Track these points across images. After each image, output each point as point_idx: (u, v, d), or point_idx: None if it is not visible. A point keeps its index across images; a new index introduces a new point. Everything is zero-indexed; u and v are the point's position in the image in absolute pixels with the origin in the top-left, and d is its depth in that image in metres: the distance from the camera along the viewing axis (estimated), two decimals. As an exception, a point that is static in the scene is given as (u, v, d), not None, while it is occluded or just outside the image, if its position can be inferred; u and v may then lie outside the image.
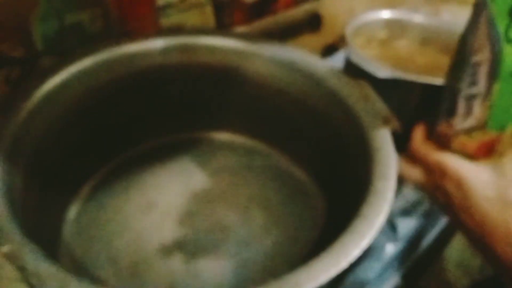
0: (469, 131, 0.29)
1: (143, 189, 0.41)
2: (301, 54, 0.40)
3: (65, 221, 0.37)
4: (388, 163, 0.29)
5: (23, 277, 0.43)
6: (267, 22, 0.69)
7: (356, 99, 0.36)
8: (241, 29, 0.65)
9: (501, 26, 0.26)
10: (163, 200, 0.41)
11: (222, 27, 0.62)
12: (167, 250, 0.37)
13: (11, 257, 0.22)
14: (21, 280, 0.44)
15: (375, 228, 0.25)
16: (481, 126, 0.29)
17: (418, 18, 0.61)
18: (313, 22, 0.78)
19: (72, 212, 0.38)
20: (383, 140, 0.31)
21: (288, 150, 0.46)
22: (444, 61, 0.60)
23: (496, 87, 0.27)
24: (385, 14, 0.62)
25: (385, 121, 0.33)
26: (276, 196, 0.43)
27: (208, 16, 0.59)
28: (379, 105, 0.35)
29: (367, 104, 0.35)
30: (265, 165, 0.46)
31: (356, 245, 0.24)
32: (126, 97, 0.40)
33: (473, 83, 0.29)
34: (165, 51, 0.40)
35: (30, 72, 0.44)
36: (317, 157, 0.42)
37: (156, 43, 0.40)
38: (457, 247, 0.58)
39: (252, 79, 0.43)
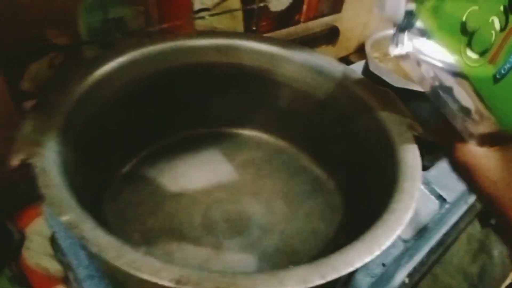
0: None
1: (175, 176, 0.42)
2: (330, 61, 0.41)
3: (103, 201, 0.37)
4: (414, 165, 0.30)
5: (49, 251, 0.43)
6: (288, 31, 0.69)
7: (381, 106, 0.36)
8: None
9: None
10: (193, 187, 0.41)
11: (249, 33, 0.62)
12: (197, 233, 0.37)
13: (71, 226, 0.22)
14: (48, 253, 0.45)
15: (404, 222, 0.26)
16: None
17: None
18: (331, 35, 0.79)
19: (109, 193, 0.38)
20: (409, 144, 0.32)
21: (310, 149, 0.46)
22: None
23: None
24: (402, 31, 0.63)
25: (410, 127, 0.33)
26: (297, 191, 0.44)
27: (238, 21, 0.60)
28: (404, 112, 0.35)
29: (392, 110, 0.35)
30: (287, 162, 0.46)
31: (387, 236, 0.24)
32: (166, 89, 0.40)
33: None
34: (206, 50, 0.40)
35: (73, 60, 0.45)
36: (339, 157, 0.42)
37: (197, 42, 0.40)
38: (457, 252, 0.58)
39: (283, 82, 0.43)
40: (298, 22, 0.70)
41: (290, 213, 0.41)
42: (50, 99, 0.30)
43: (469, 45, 0.27)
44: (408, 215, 0.26)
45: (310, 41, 0.75)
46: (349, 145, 0.40)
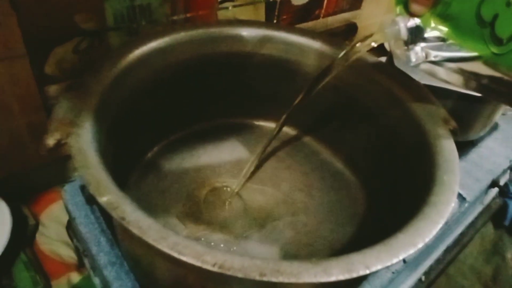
0: None
1: (197, 165, 0.41)
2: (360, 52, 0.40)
3: (128, 186, 0.36)
4: (452, 159, 0.29)
5: (63, 238, 0.43)
6: (308, 26, 0.68)
7: (414, 100, 0.35)
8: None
9: None
10: (215, 176, 0.41)
11: (270, 26, 0.61)
12: (218, 223, 0.37)
13: (111, 207, 0.21)
14: (62, 240, 0.44)
15: (446, 216, 0.25)
16: None
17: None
18: (349, 31, 0.78)
19: (133, 179, 0.38)
20: (445, 138, 0.31)
21: (333, 143, 0.45)
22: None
23: None
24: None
25: (445, 121, 0.32)
26: (318, 185, 0.43)
27: (260, 13, 0.59)
28: (437, 107, 0.34)
29: (426, 105, 0.34)
30: (309, 156, 0.45)
31: (430, 229, 0.24)
32: (193, 78, 0.39)
33: None
34: (233, 39, 0.39)
35: (99, 45, 0.44)
36: (363, 152, 0.42)
37: (229, 31, 0.39)
38: (470, 253, 0.57)
39: (309, 74, 0.42)
40: (318, 17, 0.69)
41: (311, 206, 0.40)
42: (84, 81, 0.29)
43: (493, 35, 0.26)
44: (449, 209, 0.25)
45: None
46: (378, 138, 0.39)
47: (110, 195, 0.22)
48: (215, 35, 0.39)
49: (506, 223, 0.63)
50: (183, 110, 0.41)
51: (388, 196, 0.37)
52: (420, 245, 0.23)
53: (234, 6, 0.54)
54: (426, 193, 0.27)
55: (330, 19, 0.72)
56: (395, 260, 0.22)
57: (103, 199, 0.22)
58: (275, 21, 0.62)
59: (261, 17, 0.59)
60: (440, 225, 0.24)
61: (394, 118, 0.36)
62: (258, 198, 0.40)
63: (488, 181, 0.52)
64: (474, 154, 0.55)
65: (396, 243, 0.23)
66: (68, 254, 0.44)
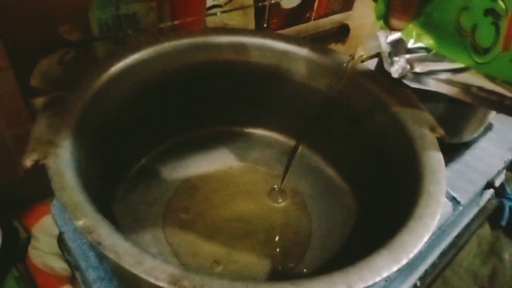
0: None
1: (186, 175, 0.41)
2: (347, 60, 0.39)
3: (115, 200, 0.36)
4: (438, 168, 0.29)
5: (55, 250, 0.42)
6: (299, 28, 0.68)
7: (401, 106, 0.35)
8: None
9: None
10: (204, 186, 0.40)
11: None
12: (209, 233, 0.36)
13: (87, 231, 0.21)
14: (55, 253, 0.44)
15: (431, 229, 0.24)
16: None
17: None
18: (341, 33, 0.77)
19: (120, 192, 0.37)
20: (431, 147, 0.30)
21: (323, 149, 0.45)
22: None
23: None
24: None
25: (432, 129, 0.32)
26: (309, 192, 0.42)
27: (249, 18, 0.59)
28: (425, 114, 0.34)
29: (413, 112, 0.34)
30: (300, 162, 0.45)
31: (414, 244, 0.23)
32: (179, 87, 0.39)
33: None
34: (220, 48, 0.39)
35: (85, 56, 0.44)
36: (353, 158, 0.41)
37: (213, 39, 0.39)
38: (467, 255, 0.57)
39: (297, 81, 0.42)
40: (309, 20, 0.68)
41: (302, 215, 0.40)
42: (63, 96, 0.28)
43: (474, 45, 0.26)
44: (435, 222, 0.25)
45: (320, 39, 0.74)
46: (367, 146, 0.38)
47: (86, 218, 0.21)
48: (199, 44, 0.38)
49: (503, 223, 0.62)
50: (170, 121, 0.41)
51: (378, 205, 0.36)
52: (404, 261, 0.22)
53: (223, 12, 0.54)
54: (411, 205, 0.26)
55: (322, 21, 0.71)
56: (378, 279, 0.21)
57: (79, 223, 0.21)
58: (265, 25, 0.61)
59: (251, 21, 0.59)
60: (425, 239, 0.24)
61: (381, 125, 0.36)
62: (249, 207, 0.39)
63: (482, 182, 0.52)
64: (468, 156, 0.55)
65: (380, 260, 0.22)
66: (61, 266, 0.43)
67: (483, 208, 0.59)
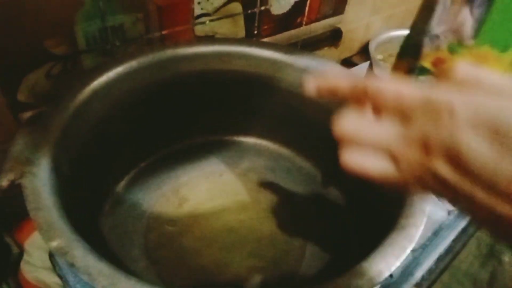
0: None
1: (176, 186, 0.40)
2: (332, 66, 0.39)
3: (102, 214, 0.36)
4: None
5: (48, 265, 0.42)
6: (291, 34, 0.67)
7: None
8: (267, 40, 0.63)
9: None
10: (194, 197, 0.40)
11: (250, 37, 0.60)
12: (199, 245, 0.36)
13: (60, 252, 0.20)
14: (47, 267, 0.43)
15: (415, 240, 0.24)
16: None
17: (437, 37, 0.60)
18: (334, 37, 0.76)
19: (108, 206, 0.37)
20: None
21: (313, 157, 0.44)
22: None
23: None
24: (406, 31, 0.61)
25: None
26: (300, 199, 0.42)
27: (239, 26, 0.58)
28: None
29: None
30: (291, 170, 0.44)
31: (397, 256, 0.23)
32: (166, 98, 0.39)
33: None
34: (208, 57, 0.39)
35: (72, 69, 0.43)
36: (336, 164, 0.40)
37: (198, 50, 0.38)
38: (466, 258, 0.56)
39: (285, 89, 0.41)
40: (300, 25, 0.68)
41: (294, 222, 0.39)
42: (44, 113, 0.28)
43: None
44: (419, 232, 0.24)
45: (313, 43, 0.73)
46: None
47: (61, 239, 0.21)
48: (185, 55, 0.38)
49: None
50: (158, 132, 0.40)
51: (369, 212, 0.36)
52: (387, 274, 0.22)
53: (211, 20, 0.54)
54: (396, 214, 0.26)
55: (313, 25, 0.71)
56: (358, 294, 0.21)
57: (53, 244, 0.21)
58: (255, 32, 0.61)
59: (241, 29, 0.59)
60: (408, 250, 0.23)
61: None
62: (239, 217, 0.39)
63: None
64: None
65: (361, 273, 0.22)
66: (53, 281, 0.43)
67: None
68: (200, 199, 0.39)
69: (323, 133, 0.42)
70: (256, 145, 0.46)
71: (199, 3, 0.51)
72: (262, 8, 0.59)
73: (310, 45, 0.73)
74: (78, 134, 0.30)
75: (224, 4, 0.54)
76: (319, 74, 0.19)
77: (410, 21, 0.99)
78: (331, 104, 0.39)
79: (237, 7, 0.56)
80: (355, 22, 0.79)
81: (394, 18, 0.94)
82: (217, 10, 0.53)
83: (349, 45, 0.82)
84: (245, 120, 0.45)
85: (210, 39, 0.43)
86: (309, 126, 0.43)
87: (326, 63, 0.40)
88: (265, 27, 0.62)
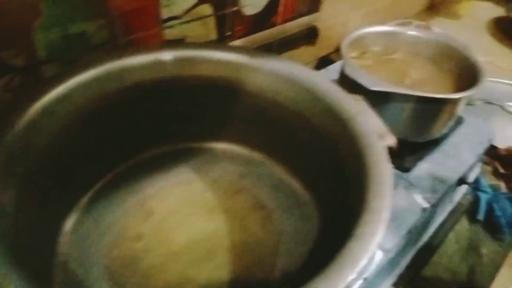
0: None
1: (142, 199, 0.39)
2: (299, 69, 0.38)
3: (62, 233, 0.34)
4: (384, 181, 0.27)
5: None
6: (265, 34, 0.66)
7: (351, 115, 0.33)
8: (240, 41, 0.62)
9: None
10: (161, 208, 0.39)
11: (223, 39, 0.59)
12: (163, 260, 0.35)
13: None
14: None
15: (371, 249, 0.23)
16: None
17: (410, 31, 0.59)
18: (310, 35, 0.75)
19: (69, 224, 0.35)
20: (378, 157, 0.29)
21: (284, 160, 0.43)
22: (435, 71, 0.57)
23: None
24: (380, 28, 0.60)
25: (381, 137, 0.31)
26: (273, 206, 0.41)
27: (210, 28, 0.57)
28: (375, 121, 0.32)
29: (363, 120, 0.32)
30: (263, 176, 0.43)
31: (352, 268, 0.22)
32: (127, 107, 0.37)
33: None
34: (168, 63, 0.37)
35: (33, 80, 0.42)
36: (313, 169, 0.40)
37: (160, 56, 0.37)
38: (445, 253, 0.56)
39: (252, 92, 0.40)
40: (274, 25, 0.67)
41: (265, 231, 0.38)
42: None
43: None
44: (375, 240, 0.23)
45: (289, 43, 0.72)
46: (322, 156, 0.37)
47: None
48: (143, 62, 0.37)
49: (480, 217, 0.61)
50: (123, 142, 0.39)
51: (338, 221, 0.35)
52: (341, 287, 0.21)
53: (181, 24, 0.52)
54: (354, 222, 0.25)
55: (289, 24, 0.70)
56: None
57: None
58: (229, 33, 0.60)
59: (212, 32, 0.57)
60: (363, 262, 0.22)
61: (333, 134, 0.34)
62: (207, 228, 0.38)
63: (453, 180, 0.51)
64: (438, 153, 0.53)
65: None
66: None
67: (458, 205, 0.57)
68: (168, 211, 0.38)
69: (294, 137, 0.41)
70: (228, 151, 0.45)
71: (166, 6, 0.49)
72: (234, 8, 0.58)
73: (286, 44, 0.72)
74: (29, 153, 0.28)
75: (194, 6, 0.53)
76: None
77: (391, 16, 0.99)
78: (299, 107, 0.38)
79: (207, 9, 0.55)
80: (332, 19, 0.78)
81: (375, 14, 0.93)
82: (186, 12, 0.52)
83: (327, 42, 0.81)
84: (215, 125, 0.44)
85: (171, 43, 0.41)
86: (279, 129, 0.42)
87: (293, 66, 0.39)
88: (238, 28, 0.61)
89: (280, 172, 0.44)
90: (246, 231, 0.38)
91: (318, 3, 0.73)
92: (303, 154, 0.41)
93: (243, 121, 0.44)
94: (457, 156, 0.54)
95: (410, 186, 0.48)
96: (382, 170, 0.28)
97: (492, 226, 0.61)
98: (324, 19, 0.76)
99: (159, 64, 0.37)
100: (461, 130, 0.58)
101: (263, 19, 0.64)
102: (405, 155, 0.51)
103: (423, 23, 0.93)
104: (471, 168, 0.55)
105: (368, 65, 0.56)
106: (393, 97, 0.48)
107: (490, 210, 0.62)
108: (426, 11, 1.14)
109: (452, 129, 0.57)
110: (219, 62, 0.39)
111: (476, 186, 0.63)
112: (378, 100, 0.49)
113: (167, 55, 0.37)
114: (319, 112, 0.36)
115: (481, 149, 0.56)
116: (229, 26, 0.60)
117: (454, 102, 0.49)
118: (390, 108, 0.49)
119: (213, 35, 0.58)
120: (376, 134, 0.31)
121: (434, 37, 0.58)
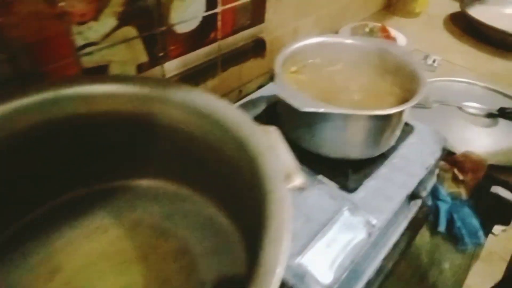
0: None
1: (48, 254, 0.35)
2: (210, 100, 0.35)
3: None
4: (280, 228, 0.24)
5: None
6: (206, 51, 0.63)
7: (262, 150, 0.30)
8: (178, 60, 0.59)
9: None
10: (69, 264, 0.35)
11: (156, 61, 0.56)
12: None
13: None
14: None
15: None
16: None
17: (351, 41, 0.56)
18: (257, 47, 0.72)
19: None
20: (279, 201, 0.26)
21: (211, 195, 0.40)
22: (377, 82, 0.55)
23: None
24: (318, 39, 0.57)
25: (287, 177, 0.27)
26: (198, 250, 0.37)
27: (138, 50, 0.53)
28: (285, 157, 0.29)
29: (271, 157, 0.29)
30: (190, 213, 0.40)
31: None
32: (35, 148, 0.33)
33: None
34: (70, 100, 0.34)
35: None
36: (234, 202, 0.36)
37: (61, 92, 0.33)
38: (403, 274, 0.53)
39: (165, 124, 0.37)
40: (215, 40, 0.63)
41: (187, 281, 0.35)
42: None
43: None
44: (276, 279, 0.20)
45: (235, 57, 0.69)
46: (240, 191, 0.33)
47: None
48: (43, 99, 0.33)
49: (441, 228, 0.59)
50: (26, 190, 0.35)
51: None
52: None
53: (101, 49, 0.48)
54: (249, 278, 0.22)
55: (232, 38, 0.66)
56: None
57: None
58: (161, 54, 0.56)
59: (141, 54, 0.54)
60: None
61: (245, 169, 0.31)
62: (121, 281, 0.34)
63: (401, 197, 0.48)
64: (385, 169, 0.50)
65: None
66: None
67: (414, 220, 0.54)
68: (76, 267, 0.34)
69: (213, 169, 0.38)
70: (152, 187, 0.41)
71: (79, 33, 0.45)
72: (162, 29, 0.54)
73: (232, 59, 0.69)
74: None
75: (113, 30, 0.49)
76: None
77: (345, 19, 0.96)
78: (211, 139, 0.35)
79: (130, 31, 0.51)
80: (280, 29, 0.75)
81: (327, 19, 0.91)
82: (105, 37, 0.48)
83: (277, 53, 0.78)
84: (135, 161, 0.41)
85: (72, 79, 0.37)
86: (199, 162, 0.38)
87: (205, 97, 0.35)
88: (172, 47, 0.57)
89: (207, 208, 0.40)
90: (165, 284, 0.34)
91: (261, 14, 0.69)
92: (227, 188, 0.37)
93: (163, 155, 0.40)
94: (405, 170, 0.51)
95: (355, 208, 0.45)
96: (280, 215, 0.25)
97: (453, 237, 0.59)
98: (271, 29, 0.73)
99: (64, 100, 0.33)
100: (411, 140, 0.55)
101: (201, 36, 0.61)
102: (349, 174, 0.48)
103: (378, 24, 0.91)
104: (423, 182, 0.52)
105: (306, 80, 0.53)
106: (329, 116, 0.45)
107: (451, 220, 0.60)
108: (382, 11, 1.12)
109: (402, 140, 0.54)
110: (123, 96, 0.35)
111: (435, 195, 0.61)
112: (315, 119, 0.46)
113: (70, 92, 0.33)
114: (231, 145, 0.33)
115: (432, 159, 0.53)
116: (162, 47, 0.56)
117: (395, 115, 0.47)
118: (328, 127, 0.46)
119: (143, 58, 0.54)
120: (282, 174, 0.27)
121: (375, 45, 0.55)
